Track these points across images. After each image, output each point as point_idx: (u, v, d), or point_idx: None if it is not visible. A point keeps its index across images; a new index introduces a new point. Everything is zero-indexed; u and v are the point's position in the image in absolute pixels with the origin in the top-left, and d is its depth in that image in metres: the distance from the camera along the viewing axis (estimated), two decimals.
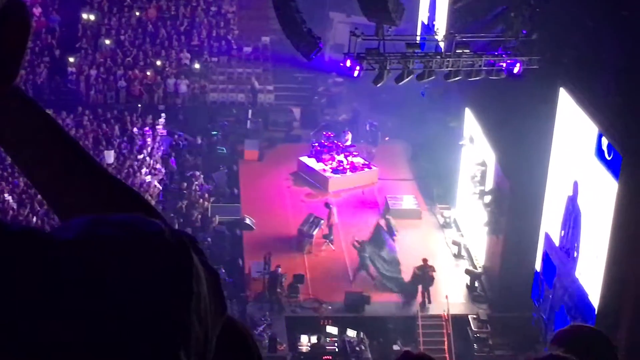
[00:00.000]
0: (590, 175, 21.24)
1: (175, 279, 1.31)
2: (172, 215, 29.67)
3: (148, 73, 37.52)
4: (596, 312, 20.61)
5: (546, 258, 24.16)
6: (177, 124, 36.08)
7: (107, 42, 38.71)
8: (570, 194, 22.46)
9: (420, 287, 26.65)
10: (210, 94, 38.14)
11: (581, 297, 21.55)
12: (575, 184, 22.18)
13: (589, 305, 21.00)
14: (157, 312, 1.27)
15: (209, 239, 28.65)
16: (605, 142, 20.28)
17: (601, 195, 20.50)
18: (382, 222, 29.34)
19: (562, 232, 22.99)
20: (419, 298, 26.58)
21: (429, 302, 26.50)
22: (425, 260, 26.88)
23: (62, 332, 1.23)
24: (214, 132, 35.79)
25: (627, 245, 19.73)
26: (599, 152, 20.67)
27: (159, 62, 38.11)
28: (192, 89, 37.83)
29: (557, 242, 23.32)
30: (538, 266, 24.74)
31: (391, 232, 28.85)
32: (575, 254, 22.07)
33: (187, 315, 1.30)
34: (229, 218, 30.37)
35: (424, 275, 26.63)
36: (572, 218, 22.43)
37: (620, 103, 20.34)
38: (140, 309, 1.26)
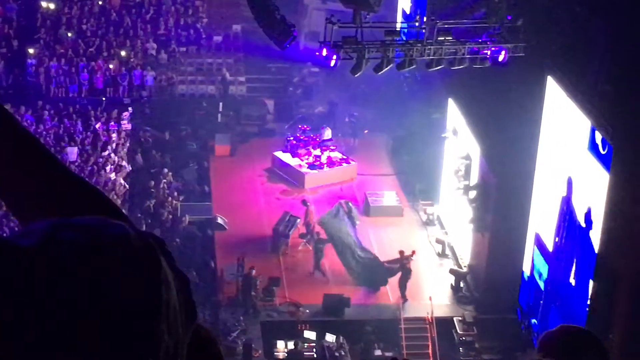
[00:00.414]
0: (584, 171, 21.22)
1: (142, 285, 1.31)
2: (139, 215, 29.54)
3: (112, 65, 37.33)
4: (587, 310, 20.68)
5: (538, 261, 24.13)
6: (144, 119, 35.92)
7: (69, 32, 38.47)
8: (564, 193, 22.43)
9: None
10: (178, 86, 37.99)
11: (576, 304, 21.54)
12: (570, 182, 22.11)
13: (585, 313, 21.00)
14: (123, 320, 1.28)
15: (179, 240, 28.55)
16: (599, 135, 20.28)
17: (596, 192, 20.50)
18: (344, 204, 29.38)
19: (557, 238, 22.97)
20: (397, 294, 26.56)
21: (404, 297, 26.59)
22: (402, 253, 26.95)
23: (19, 342, 1.24)
24: (183, 127, 35.66)
25: (618, 240, 19.81)
26: (593, 146, 20.68)
27: (123, 53, 37.91)
28: (159, 81, 37.66)
29: (550, 247, 23.32)
30: (527, 267, 24.77)
31: (352, 221, 28.90)
32: (570, 258, 22.05)
33: (156, 324, 1.30)
34: (199, 218, 30.27)
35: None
36: (566, 221, 22.43)
37: (610, 91, 20.42)
38: (105, 317, 1.27)
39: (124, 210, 1.66)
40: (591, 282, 20.64)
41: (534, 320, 24.14)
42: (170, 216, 30.24)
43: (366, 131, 35.58)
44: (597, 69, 21.00)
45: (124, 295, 1.28)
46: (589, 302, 20.74)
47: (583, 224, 21.34)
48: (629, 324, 19.67)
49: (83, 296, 1.26)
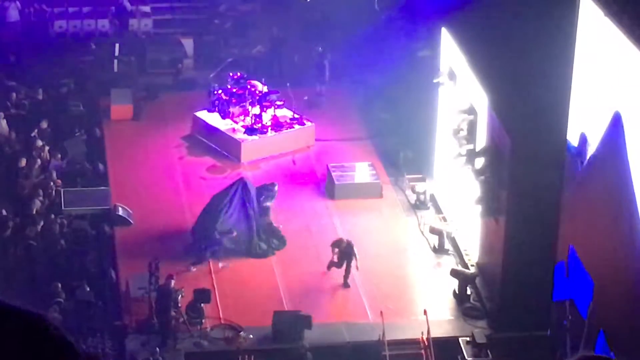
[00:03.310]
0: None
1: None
2: (2, 211, 29.24)
3: None
4: None
5: (574, 264, 23.99)
6: (8, 71, 35.66)
7: None
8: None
9: None
10: (55, 22, 37.77)
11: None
12: (617, 124, 22.10)
13: None
14: None
15: (63, 243, 28.36)
16: None
17: None
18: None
19: None
20: (378, 309, 26.67)
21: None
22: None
23: None
24: (64, 81, 35.45)
25: None
26: None
27: None
28: (27, 14, 37.41)
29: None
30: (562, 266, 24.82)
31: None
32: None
33: None
34: (92, 209, 30.17)
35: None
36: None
37: None
38: None
39: None
40: None
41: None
42: (50, 207, 30.02)
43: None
44: None
45: None
46: None
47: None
48: None
49: None
